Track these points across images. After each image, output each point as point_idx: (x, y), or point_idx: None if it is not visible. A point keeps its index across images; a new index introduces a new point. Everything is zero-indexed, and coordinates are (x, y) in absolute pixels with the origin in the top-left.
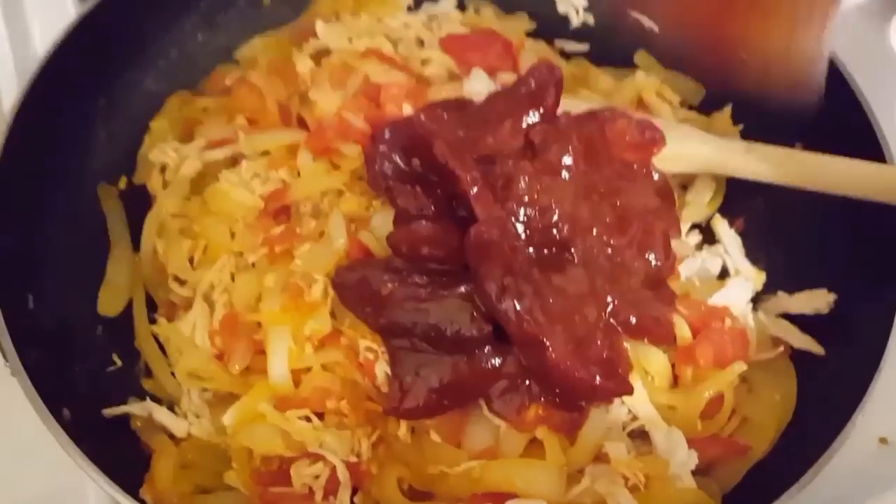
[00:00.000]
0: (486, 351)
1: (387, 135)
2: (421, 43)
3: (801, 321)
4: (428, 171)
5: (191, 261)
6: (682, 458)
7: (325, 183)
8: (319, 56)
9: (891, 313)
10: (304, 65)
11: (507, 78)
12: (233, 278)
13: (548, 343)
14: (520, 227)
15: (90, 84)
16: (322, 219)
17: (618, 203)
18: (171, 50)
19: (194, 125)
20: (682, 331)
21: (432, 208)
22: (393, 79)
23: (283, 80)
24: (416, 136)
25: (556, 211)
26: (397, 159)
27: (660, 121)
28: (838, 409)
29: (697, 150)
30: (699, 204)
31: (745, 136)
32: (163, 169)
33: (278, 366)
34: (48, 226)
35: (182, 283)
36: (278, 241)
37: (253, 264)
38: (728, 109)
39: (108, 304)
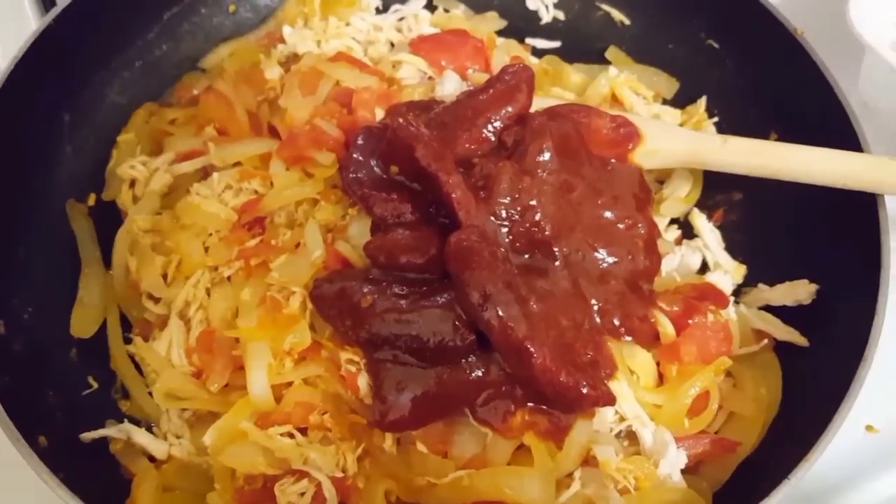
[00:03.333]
0: (469, 360)
1: (360, 141)
2: (391, 45)
3: (784, 313)
4: (407, 177)
5: (164, 277)
6: (671, 457)
7: (299, 192)
8: (288, 62)
9: (873, 301)
10: (272, 71)
11: (479, 77)
12: (208, 293)
13: (532, 350)
14: (502, 230)
15: (53, 98)
16: (297, 229)
17: (598, 202)
18: (136, 61)
19: (162, 137)
20: (666, 328)
21: (409, 215)
22: (364, 83)
23: (252, 88)
24: (394, 141)
25: (539, 211)
26: (373, 165)
27: (635, 117)
28: (825, 400)
29: (674, 144)
30: (677, 198)
31: (720, 127)
32: (132, 184)
33: (258, 382)
34: (16, 246)
35: (156, 300)
36: (253, 253)
37: (228, 278)
38: (702, 101)
39: (81, 325)
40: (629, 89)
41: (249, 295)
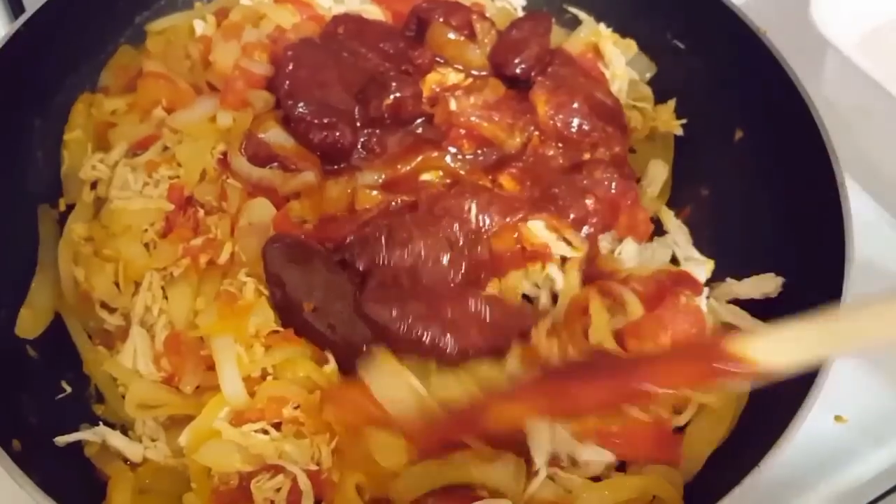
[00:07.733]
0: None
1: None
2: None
3: (752, 306)
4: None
5: (116, 285)
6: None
7: (203, 146)
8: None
9: (838, 292)
10: (206, 28)
11: None
12: (165, 294)
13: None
14: None
15: (24, 103)
16: (227, 208)
17: None
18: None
19: (106, 130)
20: (633, 306)
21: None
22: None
23: (180, 58)
24: None
25: None
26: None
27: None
28: (794, 389)
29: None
30: (650, 196)
31: (687, 129)
32: (94, 185)
33: (230, 380)
34: None
35: (111, 310)
36: (200, 250)
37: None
38: (672, 103)
39: (27, 325)
40: (612, 44)
41: (203, 303)
